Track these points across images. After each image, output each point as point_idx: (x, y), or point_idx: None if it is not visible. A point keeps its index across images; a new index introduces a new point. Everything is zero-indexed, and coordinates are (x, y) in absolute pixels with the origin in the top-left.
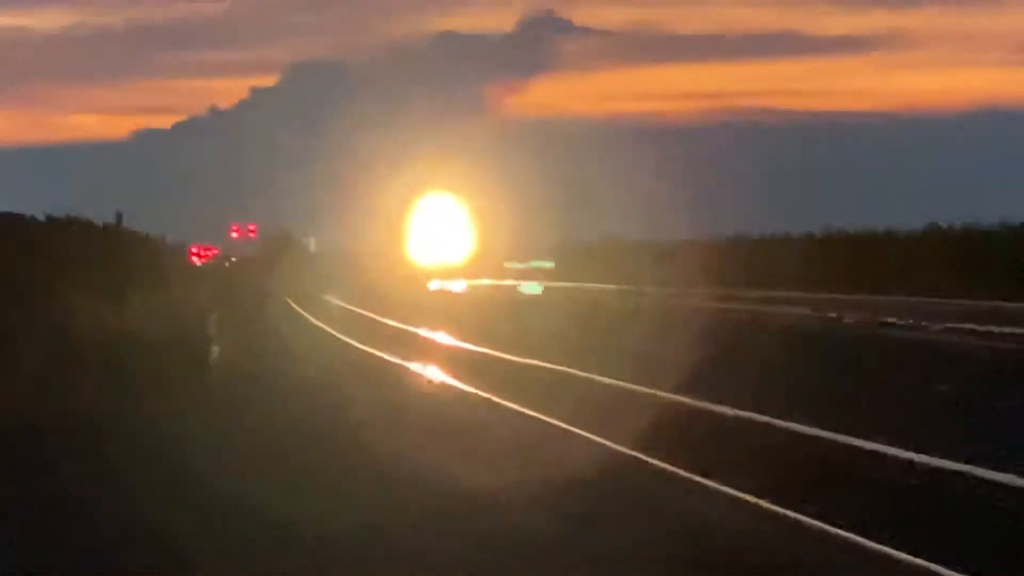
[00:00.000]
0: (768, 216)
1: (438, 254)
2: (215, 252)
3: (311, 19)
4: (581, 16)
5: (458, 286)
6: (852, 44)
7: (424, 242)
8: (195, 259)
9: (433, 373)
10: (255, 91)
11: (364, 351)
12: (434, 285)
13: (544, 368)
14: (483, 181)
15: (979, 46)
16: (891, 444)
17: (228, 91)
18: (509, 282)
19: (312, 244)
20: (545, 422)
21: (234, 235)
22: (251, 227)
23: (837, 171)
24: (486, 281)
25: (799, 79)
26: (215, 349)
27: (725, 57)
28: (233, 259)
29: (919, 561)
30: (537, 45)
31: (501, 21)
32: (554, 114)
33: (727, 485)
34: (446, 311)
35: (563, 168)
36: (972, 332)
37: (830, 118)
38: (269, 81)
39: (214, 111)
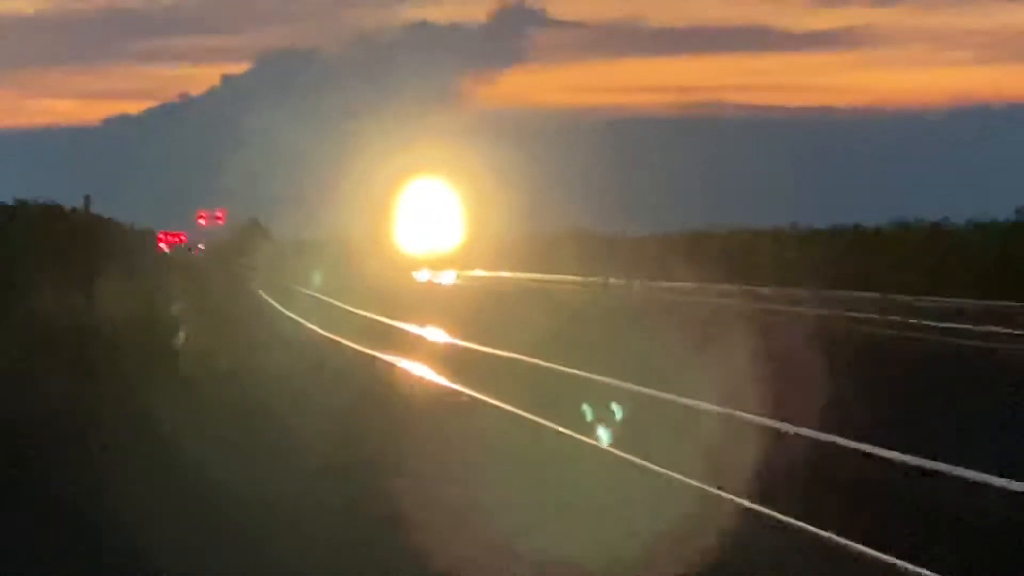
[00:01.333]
0: (739, 210)
1: (426, 242)
2: (183, 238)
3: (284, 7)
4: (554, 8)
5: (448, 277)
6: (825, 40)
7: (408, 230)
8: (162, 245)
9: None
10: (227, 78)
11: (326, 342)
12: (422, 276)
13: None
14: (456, 172)
15: (952, 43)
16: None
17: (200, 78)
18: (507, 273)
19: (274, 232)
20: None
21: (201, 222)
22: (219, 214)
23: (809, 166)
24: (480, 272)
25: (772, 74)
26: (181, 335)
27: (698, 51)
28: (200, 246)
29: None
30: (510, 36)
31: (474, 12)
32: (527, 105)
33: None
34: (422, 304)
35: (535, 160)
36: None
37: (802, 113)
38: (241, 68)
39: (185, 97)
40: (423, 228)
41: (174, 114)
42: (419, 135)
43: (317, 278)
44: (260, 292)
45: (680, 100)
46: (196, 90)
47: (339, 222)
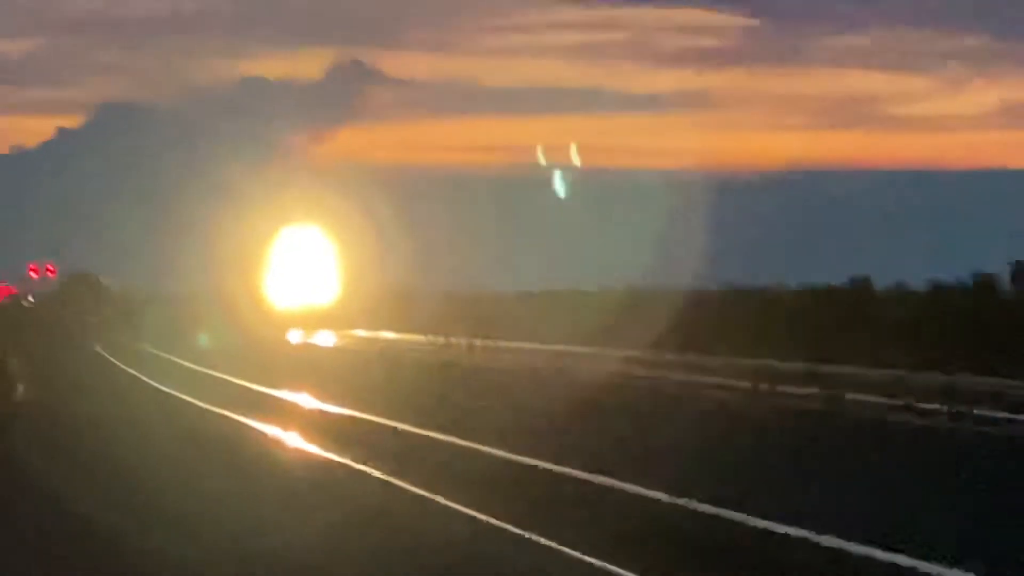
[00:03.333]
0: (567, 270)
1: (300, 296)
2: (12, 291)
3: (119, 60)
4: (389, 66)
5: (325, 338)
6: (657, 103)
7: (267, 284)
8: None
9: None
10: (62, 131)
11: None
12: (295, 336)
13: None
14: (310, 225)
15: (782, 109)
16: None
17: (34, 130)
18: (390, 334)
19: (112, 285)
20: None
21: (32, 275)
22: (49, 267)
23: (643, 228)
24: (360, 332)
25: (604, 134)
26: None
27: (531, 111)
28: (31, 299)
29: None
30: (345, 93)
31: (310, 68)
32: (361, 161)
33: None
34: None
35: (367, 216)
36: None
37: (635, 176)
38: (76, 121)
39: (18, 150)
40: (283, 282)
41: (7, 166)
42: (256, 189)
43: (166, 336)
44: (99, 349)
45: (513, 159)
46: (30, 142)
47: (181, 276)
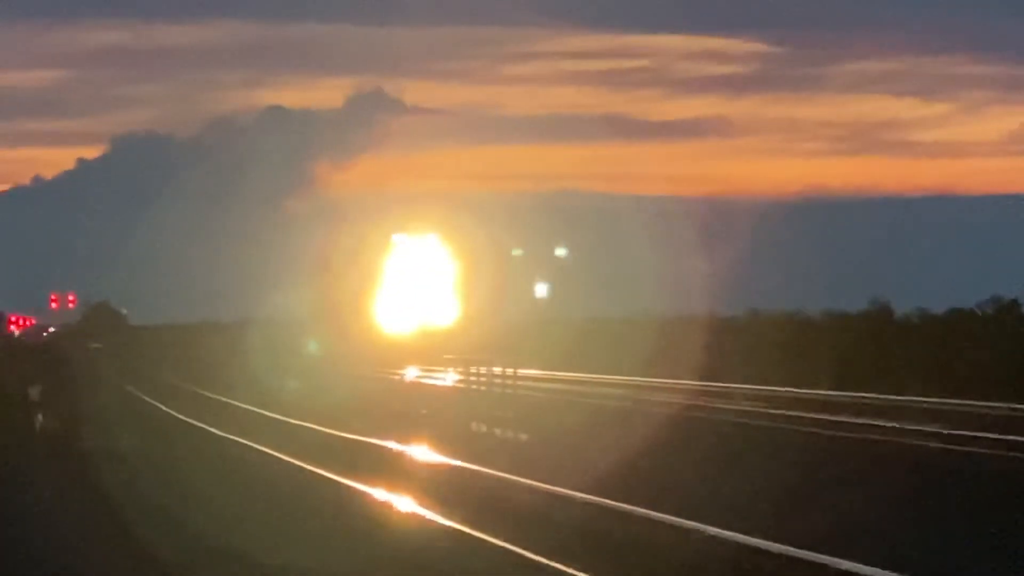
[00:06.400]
0: (591, 300)
1: (419, 317)
2: (33, 322)
3: (139, 91)
4: (410, 94)
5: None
6: (678, 130)
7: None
8: (13, 328)
9: None
10: (81, 161)
11: None
12: (410, 374)
13: None
14: (313, 256)
15: (800, 135)
16: None
17: (54, 161)
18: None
19: (127, 314)
20: None
21: (53, 305)
22: (71, 297)
23: (664, 254)
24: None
25: (626, 162)
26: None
27: (554, 139)
28: (52, 329)
29: None
30: (366, 122)
31: (330, 98)
32: (382, 190)
33: None
34: None
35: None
36: None
37: (656, 202)
38: (95, 152)
39: (39, 181)
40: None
41: (27, 197)
42: (277, 219)
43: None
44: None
45: (535, 187)
46: (49, 173)
47: (198, 306)
